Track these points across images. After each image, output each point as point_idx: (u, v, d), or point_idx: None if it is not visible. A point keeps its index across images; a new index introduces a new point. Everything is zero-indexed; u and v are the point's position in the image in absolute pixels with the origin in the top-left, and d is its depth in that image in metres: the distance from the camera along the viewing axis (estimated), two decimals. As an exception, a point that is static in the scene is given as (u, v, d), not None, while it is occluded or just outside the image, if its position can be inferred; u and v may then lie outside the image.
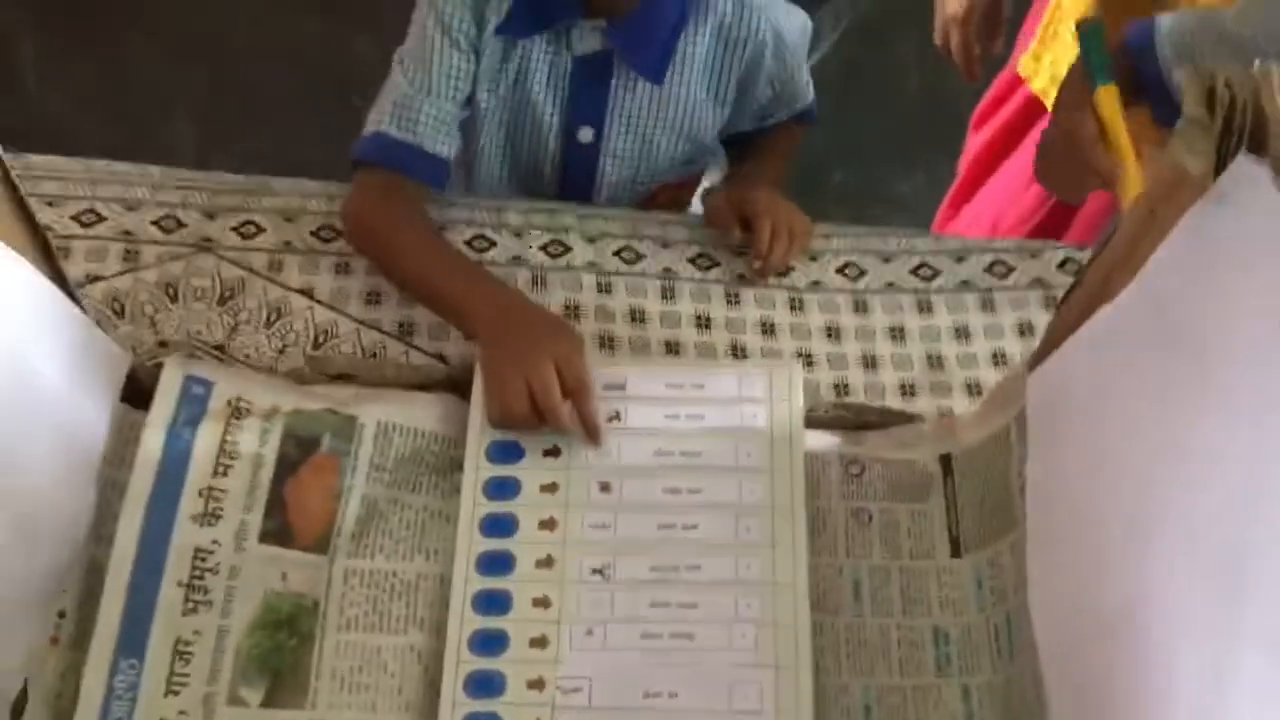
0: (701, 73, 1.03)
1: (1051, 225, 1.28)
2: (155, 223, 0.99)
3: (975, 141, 1.44)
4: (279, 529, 0.81)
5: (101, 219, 0.99)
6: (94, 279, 0.96)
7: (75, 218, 0.99)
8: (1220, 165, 0.58)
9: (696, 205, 1.26)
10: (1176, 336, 0.61)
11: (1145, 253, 0.64)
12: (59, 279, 0.71)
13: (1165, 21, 0.87)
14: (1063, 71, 0.96)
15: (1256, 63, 0.55)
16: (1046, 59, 1.25)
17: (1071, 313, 0.75)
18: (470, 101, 1.02)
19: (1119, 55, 0.89)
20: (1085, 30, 0.90)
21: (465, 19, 0.98)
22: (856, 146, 2.10)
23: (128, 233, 0.98)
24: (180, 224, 1.00)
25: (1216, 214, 0.58)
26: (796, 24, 1.08)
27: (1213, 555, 0.53)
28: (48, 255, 0.70)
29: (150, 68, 2.00)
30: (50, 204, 0.99)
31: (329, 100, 1.66)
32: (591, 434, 0.84)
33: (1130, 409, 0.63)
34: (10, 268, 0.65)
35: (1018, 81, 1.32)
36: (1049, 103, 1.17)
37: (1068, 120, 0.90)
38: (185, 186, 1.02)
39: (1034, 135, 1.28)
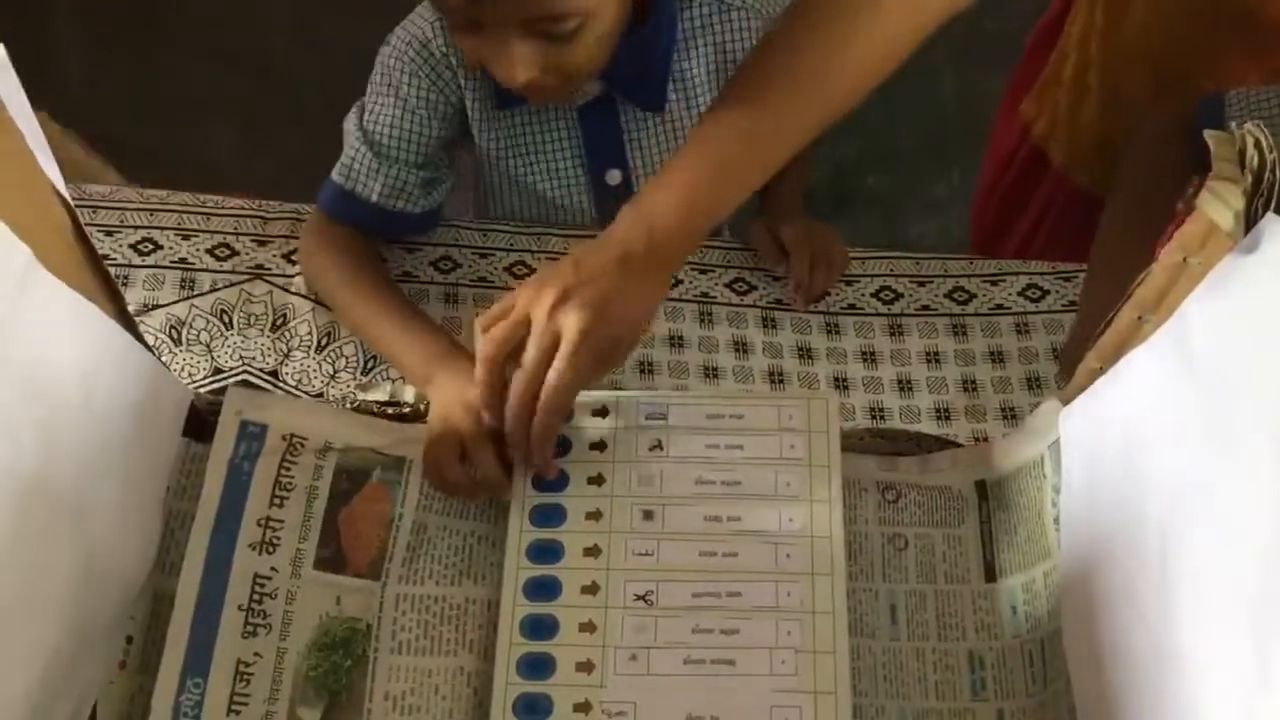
0: (706, 89, 1.03)
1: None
2: (210, 251, 1.03)
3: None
4: (333, 556, 0.84)
5: (158, 247, 1.03)
6: (152, 307, 0.99)
7: (133, 246, 1.02)
8: (1250, 220, 0.59)
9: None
10: (1206, 382, 0.62)
11: (1177, 299, 0.65)
12: (123, 316, 0.74)
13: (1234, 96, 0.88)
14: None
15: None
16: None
17: (1102, 354, 0.77)
18: (446, 148, 1.02)
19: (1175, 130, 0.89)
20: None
21: (434, 96, 0.97)
22: (890, 149, 2.12)
23: (184, 260, 1.02)
24: (233, 252, 1.03)
25: (1245, 265, 0.60)
26: None
27: (1243, 604, 0.55)
28: (112, 293, 0.73)
29: (191, 71, 2.03)
30: (109, 234, 1.02)
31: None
32: (544, 471, 0.83)
33: (1159, 453, 0.65)
34: (77, 308, 0.67)
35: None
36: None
37: None
38: (238, 214, 1.05)
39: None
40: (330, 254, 0.99)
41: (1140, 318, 0.73)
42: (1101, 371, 0.76)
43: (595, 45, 0.89)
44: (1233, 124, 0.54)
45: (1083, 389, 0.78)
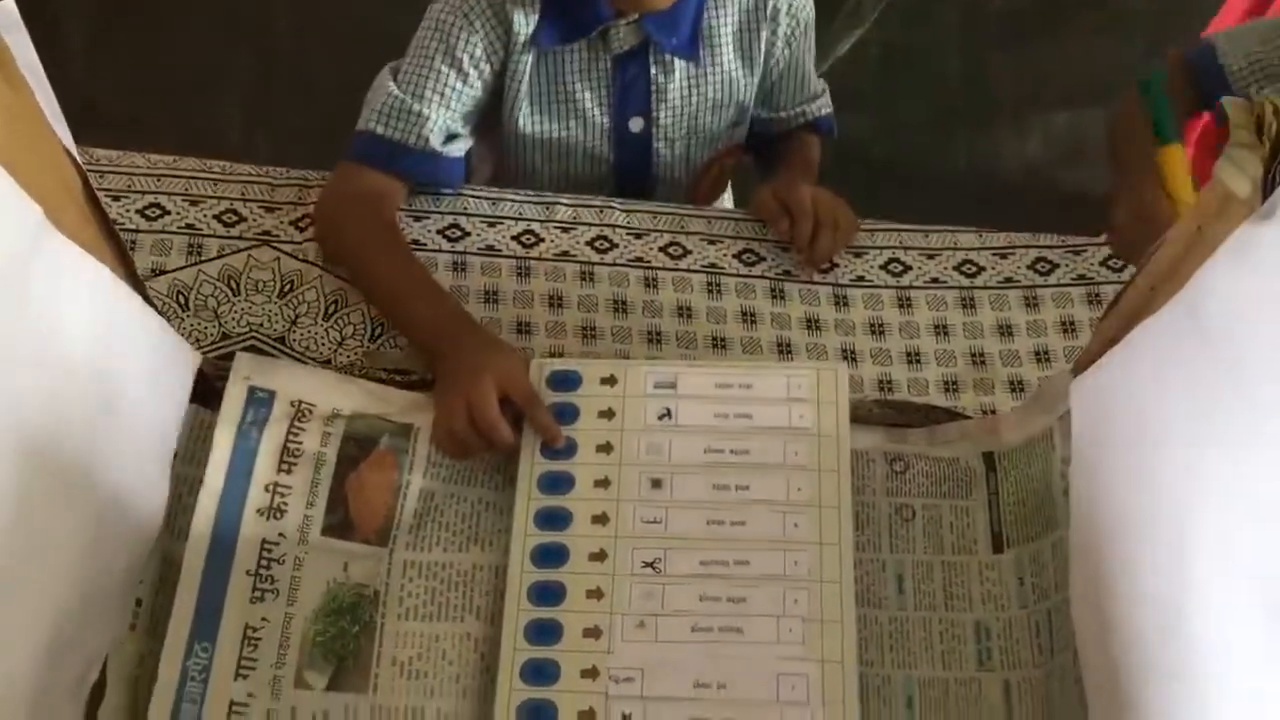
0: (732, 43, 1.06)
1: None
2: (217, 217, 1.02)
3: None
4: (340, 522, 0.84)
5: (165, 213, 1.02)
6: (159, 272, 0.99)
7: (140, 212, 1.02)
8: (1268, 188, 0.59)
9: (727, 200, 1.27)
10: (1218, 354, 0.62)
11: (1190, 269, 0.65)
12: (133, 279, 0.74)
13: (1222, 38, 0.88)
14: None
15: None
16: None
17: (1115, 324, 0.77)
18: (477, 122, 1.04)
19: (1180, 74, 0.89)
20: (1147, 83, 0.90)
21: (479, 50, 1.00)
22: (896, 127, 2.11)
23: (191, 226, 1.01)
24: (241, 218, 1.02)
25: (1262, 233, 0.60)
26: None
27: (1252, 578, 0.54)
28: (122, 255, 0.73)
29: (196, 47, 2.02)
30: (116, 198, 1.02)
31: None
32: (549, 437, 0.86)
33: (1169, 425, 0.65)
34: (89, 269, 0.67)
35: None
36: None
37: (1132, 199, 0.91)
38: (246, 180, 1.05)
39: None
40: (355, 207, 0.99)
41: (1153, 288, 0.72)
42: (1114, 342, 0.76)
43: None
44: (1252, 89, 0.54)
45: (1094, 359, 0.78)
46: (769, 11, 1.06)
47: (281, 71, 2.03)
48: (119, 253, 0.73)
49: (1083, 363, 0.81)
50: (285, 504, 0.83)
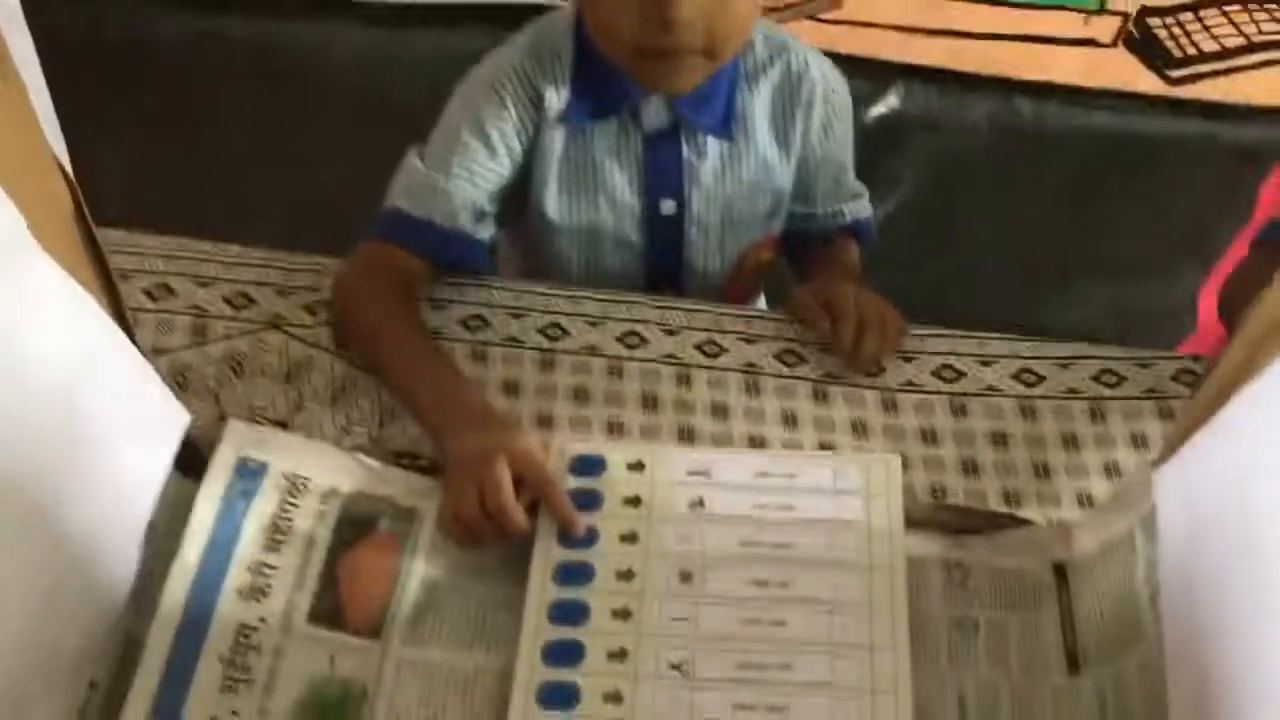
0: (766, 125, 1.02)
1: None
2: (226, 299, 0.97)
3: None
4: (330, 610, 0.75)
5: (172, 293, 0.97)
6: (160, 352, 0.92)
7: (146, 291, 0.96)
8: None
9: (760, 303, 1.21)
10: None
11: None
12: (119, 315, 0.68)
13: None
14: None
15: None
16: None
17: (1206, 400, 0.69)
18: (504, 206, 1.01)
19: None
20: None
21: (509, 125, 0.97)
22: (931, 286, 2.06)
23: (197, 308, 0.96)
24: (251, 301, 0.97)
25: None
26: (843, 88, 1.07)
27: None
28: (109, 286, 0.67)
29: (229, 176, 2.01)
30: (124, 278, 0.96)
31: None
32: (567, 525, 0.78)
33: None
34: (69, 292, 0.61)
35: None
36: None
37: None
38: (260, 264, 1.00)
39: None
40: (375, 283, 0.94)
41: (1250, 354, 0.65)
42: (1203, 423, 0.68)
43: (746, 5, 0.90)
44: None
45: (1181, 444, 0.69)
46: (803, 96, 1.02)
47: (315, 212, 2.02)
48: (106, 283, 0.67)
49: (1166, 454, 0.72)
50: (269, 585, 0.74)
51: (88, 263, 0.65)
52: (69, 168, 0.65)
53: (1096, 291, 2.08)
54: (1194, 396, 0.70)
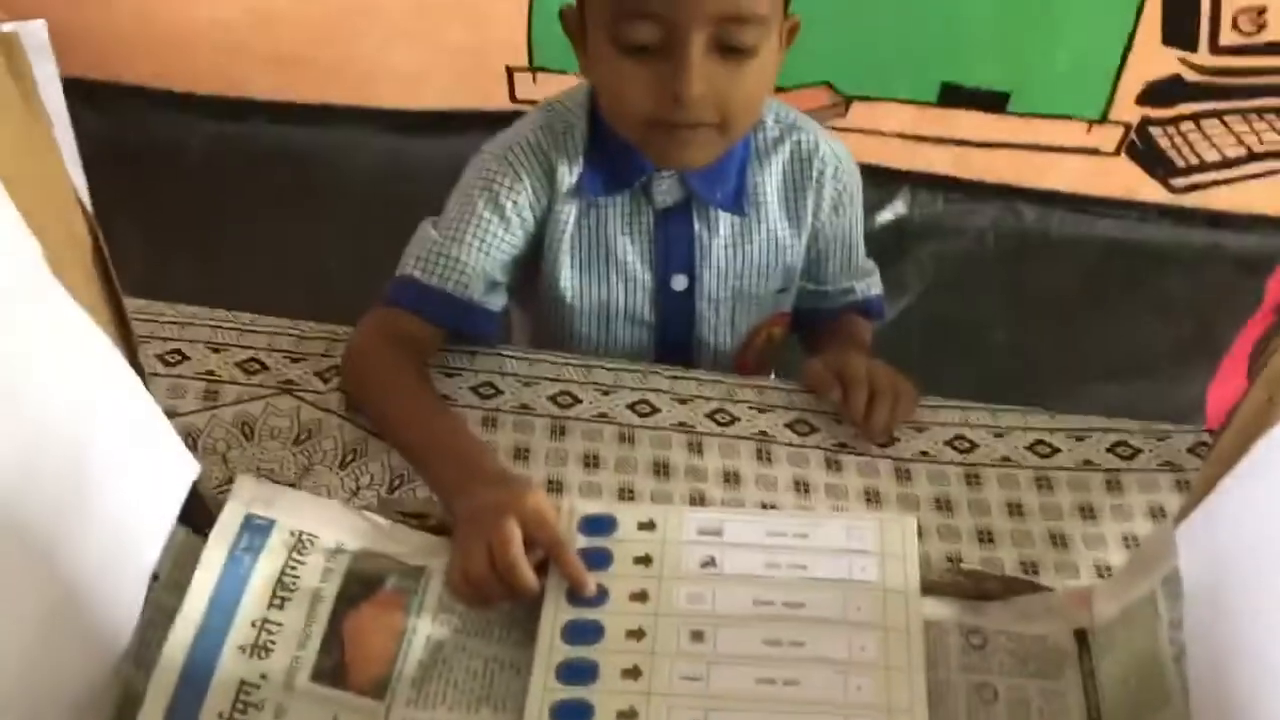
0: (777, 202, 1.03)
1: None
2: (239, 364, 0.97)
3: None
4: (333, 668, 0.73)
5: (185, 359, 0.97)
6: (171, 415, 0.92)
7: (160, 357, 0.97)
8: None
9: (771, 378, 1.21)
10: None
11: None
12: (132, 358, 0.68)
13: None
14: None
15: None
16: None
17: (1219, 456, 0.68)
18: (516, 279, 1.02)
19: None
20: None
21: (522, 197, 0.98)
22: (942, 387, 2.06)
23: (210, 372, 0.96)
24: (264, 366, 0.97)
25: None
26: (854, 167, 1.08)
27: None
28: (123, 329, 0.67)
29: (246, 265, 2.02)
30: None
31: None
32: (577, 584, 0.76)
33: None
34: (82, 330, 0.61)
35: None
36: None
37: None
38: (273, 331, 1.00)
39: None
40: (386, 349, 0.94)
41: (1271, 398, 0.64)
42: (1226, 470, 0.66)
43: (758, 83, 0.90)
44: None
45: (1204, 494, 0.68)
46: (814, 174, 1.03)
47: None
48: (120, 325, 0.67)
49: (1188, 508, 0.71)
50: (272, 642, 0.73)
51: (104, 303, 0.65)
52: (89, 206, 0.65)
53: (1104, 394, 2.07)
54: (1215, 444, 0.69)
